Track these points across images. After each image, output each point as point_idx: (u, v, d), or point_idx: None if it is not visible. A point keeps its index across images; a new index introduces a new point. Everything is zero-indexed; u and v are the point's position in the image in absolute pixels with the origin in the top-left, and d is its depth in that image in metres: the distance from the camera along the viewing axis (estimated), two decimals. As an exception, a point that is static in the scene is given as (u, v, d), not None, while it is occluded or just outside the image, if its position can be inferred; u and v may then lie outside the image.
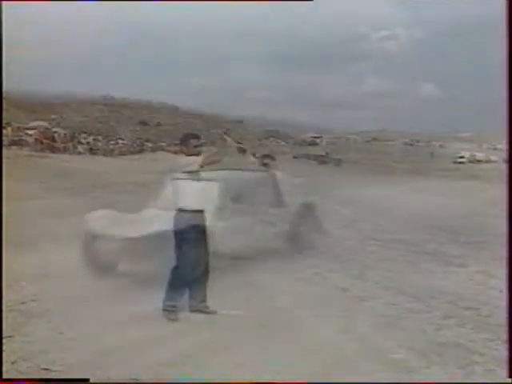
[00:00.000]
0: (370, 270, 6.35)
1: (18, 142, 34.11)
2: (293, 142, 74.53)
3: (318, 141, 75.98)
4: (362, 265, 6.65)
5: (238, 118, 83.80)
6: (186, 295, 4.72)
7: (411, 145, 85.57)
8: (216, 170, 5.47)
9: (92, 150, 38.62)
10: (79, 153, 36.42)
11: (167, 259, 4.75)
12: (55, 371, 3.52)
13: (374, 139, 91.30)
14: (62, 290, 5.22)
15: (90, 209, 6.24)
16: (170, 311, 4.57)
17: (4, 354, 3.66)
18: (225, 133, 5.43)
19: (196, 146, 4.71)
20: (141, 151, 44.10)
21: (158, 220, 5.28)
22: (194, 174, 4.62)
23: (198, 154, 4.65)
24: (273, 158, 7.92)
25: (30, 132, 38.97)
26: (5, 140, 29.88)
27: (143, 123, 70.92)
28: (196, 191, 4.63)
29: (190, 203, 4.60)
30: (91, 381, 3.29)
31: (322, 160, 39.74)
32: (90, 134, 48.15)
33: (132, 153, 41.44)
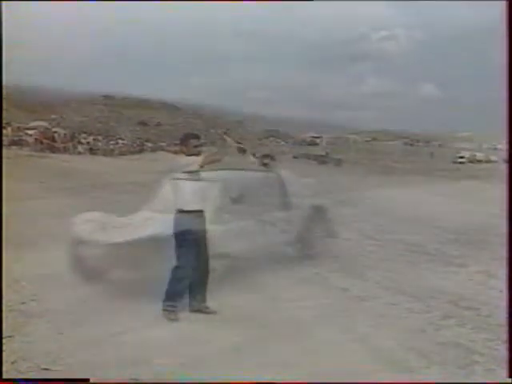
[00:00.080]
0: (370, 270, 6.35)
1: (17, 142, 34.12)
2: (293, 141, 74.57)
3: (317, 141, 76.00)
4: (362, 265, 6.65)
5: (237, 118, 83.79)
6: (186, 295, 4.72)
7: (411, 145, 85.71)
8: (216, 169, 5.46)
9: (92, 150, 38.55)
10: (79, 153, 36.36)
11: (157, 266, 4.65)
12: (55, 371, 3.52)
13: (374, 139, 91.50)
14: (61, 290, 5.21)
15: (90, 209, 6.20)
16: (169, 311, 4.56)
17: (4, 354, 3.66)
18: (225, 133, 5.45)
19: (196, 146, 4.72)
20: (141, 151, 44.01)
21: (151, 223, 5.12)
22: (193, 174, 4.62)
23: (197, 154, 4.66)
24: (273, 158, 7.88)
25: (29, 132, 39.00)
26: (5, 140, 29.89)
27: (143, 123, 70.88)
28: (196, 191, 4.63)
29: (190, 203, 4.60)
30: (91, 381, 3.29)
31: (321, 160, 39.68)
32: (90, 134, 48.11)
33: (132, 153, 41.35)
